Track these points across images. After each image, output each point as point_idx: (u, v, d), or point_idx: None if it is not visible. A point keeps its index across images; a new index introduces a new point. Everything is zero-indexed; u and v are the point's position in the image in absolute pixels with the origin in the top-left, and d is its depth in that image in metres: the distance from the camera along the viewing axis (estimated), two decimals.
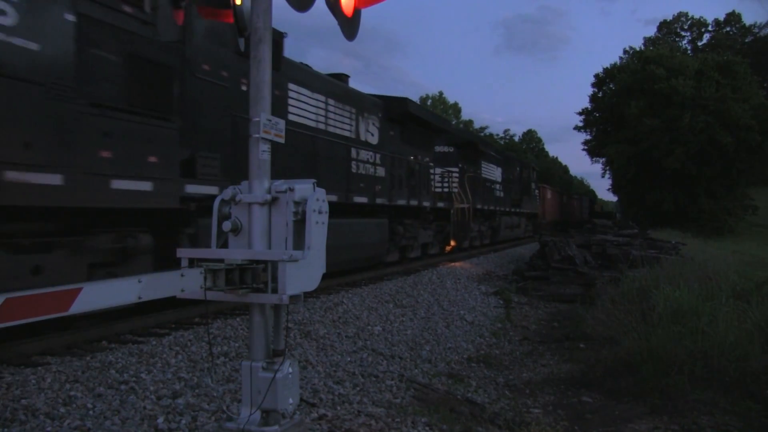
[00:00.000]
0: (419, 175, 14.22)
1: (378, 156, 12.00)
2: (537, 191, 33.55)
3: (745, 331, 5.95)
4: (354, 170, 10.83)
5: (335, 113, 10.50)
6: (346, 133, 10.86)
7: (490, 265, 16.73)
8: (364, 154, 11.36)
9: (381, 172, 12.06)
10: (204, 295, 2.51)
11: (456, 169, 17.98)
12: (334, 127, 10.44)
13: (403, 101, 13.31)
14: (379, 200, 11.70)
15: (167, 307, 7.23)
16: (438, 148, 17.21)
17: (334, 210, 8.26)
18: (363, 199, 10.93)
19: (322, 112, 10.15)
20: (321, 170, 9.50)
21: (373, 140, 11.97)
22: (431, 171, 15.65)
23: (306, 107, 9.53)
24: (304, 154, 9.23)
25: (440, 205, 15.64)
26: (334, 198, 9.38)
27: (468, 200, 17.75)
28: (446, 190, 16.91)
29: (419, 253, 15.01)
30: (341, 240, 9.19)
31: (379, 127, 12.34)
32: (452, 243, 17.18)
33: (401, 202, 12.96)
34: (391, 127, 13.00)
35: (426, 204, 14.34)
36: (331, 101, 10.41)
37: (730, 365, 5.47)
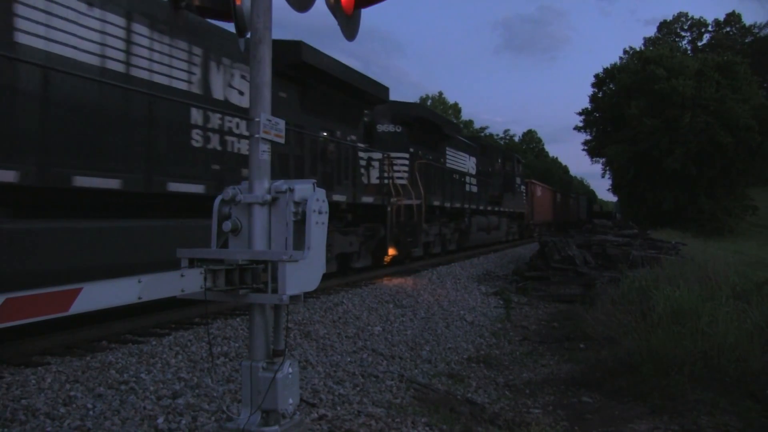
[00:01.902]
0: (336, 158, 10.53)
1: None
2: (524, 187, 29.11)
3: (745, 332, 5.94)
4: (196, 142, 7.09)
5: (151, 49, 6.60)
6: (180, 84, 7.02)
7: (490, 265, 16.73)
8: (218, 120, 7.47)
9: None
10: (204, 295, 2.52)
11: (404, 155, 13.89)
12: (150, 70, 6.57)
13: (296, 45, 8.95)
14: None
15: (167, 307, 7.23)
16: (380, 127, 13.76)
17: (127, 204, 6.51)
18: (195, 188, 6.99)
19: (119, 44, 6.21)
20: (103, 136, 5.99)
21: (241, 100, 8.04)
22: (363, 155, 11.95)
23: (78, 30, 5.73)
24: (68, 108, 5.67)
25: (366, 200, 11.53)
26: (115, 183, 6.00)
27: (419, 194, 13.72)
28: (388, 181, 12.86)
29: (335, 267, 10.62)
30: (112, 256, 5.85)
31: None
32: (390, 252, 13.12)
33: None
34: (282, 86, 8.96)
35: (339, 198, 10.31)
36: (139, 28, 6.44)
37: (730, 365, 5.47)
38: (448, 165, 17.40)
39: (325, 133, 10.25)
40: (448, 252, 18.11)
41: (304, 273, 2.63)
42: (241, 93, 8.07)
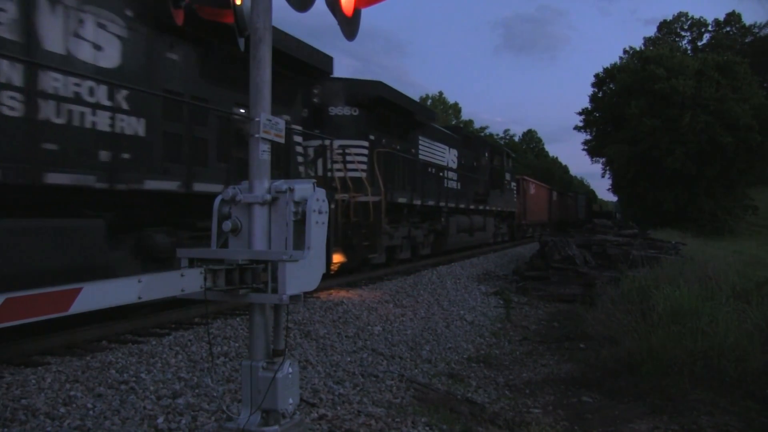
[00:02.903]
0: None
1: (119, 93, 6.15)
2: (514, 184, 26.91)
3: (745, 332, 5.95)
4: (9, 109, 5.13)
5: None
6: None
7: (490, 265, 16.73)
8: (56, 83, 5.50)
9: (123, 123, 6.22)
10: (204, 295, 2.52)
11: (361, 143, 11.72)
12: None
13: None
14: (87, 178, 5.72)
15: (167, 307, 7.23)
16: (333, 110, 11.87)
17: None
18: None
19: None
20: None
21: (104, 60, 6.10)
22: (301, 141, 9.77)
23: None
24: None
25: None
26: None
27: (379, 190, 11.71)
28: (331, 173, 10.60)
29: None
30: None
31: (125, 36, 6.34)
32: (336, 259, 10.70)
33: (187, 186, 6.84)
34: (171, 46, 6.99)
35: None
36: None
37: (730, 365, 5.47)
38: (421, 157, 15.15)
39: (243, 111, 7.90)
40: (421, 257, 15.69)
41: (303, 273, 2.63)
42: (98, 47, 5.99)
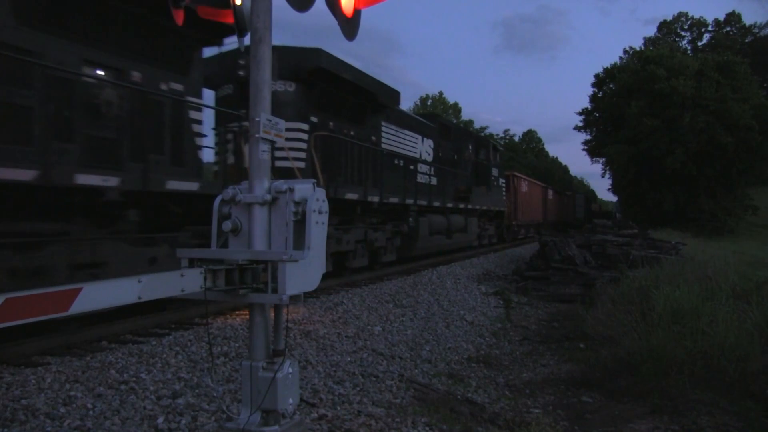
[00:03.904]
0: (129, 116, 6.73)
1: None
2: (503, 181, 24.57)
3: (745, 332, 5.94)
4: None
5: None
6: None
7: (490, 265, 16.73)
8: None
9: None
10: (204, 295, 2.52)
11: (296, 126, 9.69)
12: None
13: None
14: None
15: (167, 307, 7.23)
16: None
17: None
18: None
19: None
20: None
21: None
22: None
23: None
24: None
25: (170, 186, 6.84)
26: None
27: (318, 182, 9.24)
28: (283, 164, 8.87)
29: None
30: None
31: None
32: None
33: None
34: None
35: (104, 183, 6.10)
36: None
37: (730, 365, 5.47)
38: (384, 146, 13.01)
39: (101, 72, 6.45)
40: (384, 265, 13.25)
41: (303, 273, 2.63)
42: None
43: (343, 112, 11.20)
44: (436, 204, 15.82)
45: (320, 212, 2.72)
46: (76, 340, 5.91)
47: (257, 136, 2.71)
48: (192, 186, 7.15)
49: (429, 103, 64.14)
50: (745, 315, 6.44)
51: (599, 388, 5.75)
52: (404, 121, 14.67)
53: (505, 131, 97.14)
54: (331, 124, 10.60)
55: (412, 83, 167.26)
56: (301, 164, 9.64)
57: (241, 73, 9.53)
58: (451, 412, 4.83)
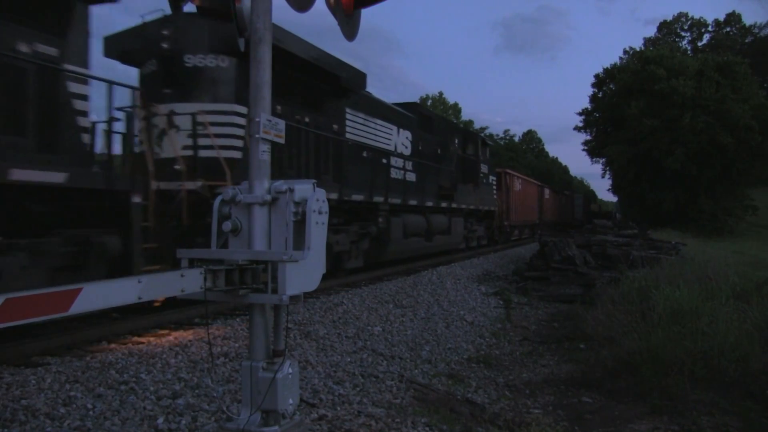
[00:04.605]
0: None
1: None
2: (494, 178, 22.91)
3: (745, 332, 5.95)
4: None
5: None
6: None
7: (490, 266, 16.73)
8: None
9: None
10: (204, 295, 2.52)
11: (226, 108, 8.31)
12: None
13: None
14: None
15: (168, 307, 7.23)
16: (191, 59, 8.20)
17: None
18: None
19: None
20: None
21: None
22: (77, 91, 6.21)
23: None
24: None
25: (17, 176, 5.12)
26: None
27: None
28: (209, 152, 7.95)
29: None
30: None
31: None
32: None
33: None
34: None
35: None
36: None
37: (730, 365, 5.47)
38: (349, 136, 11.44)
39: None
40: (350, 272, 11.55)
41: (303, 273, 2.63)
42: None
43: (294, 94, 9.47)
44: (413, 203, 14.13)
45: (320, 212, 2.72)
46: (76, 340, 5.91)
47: (257, 136, 2.71)
48: (54, 177, 5.44)
49: (429, 104, 64.14)
50: (745, 315, 6.44)
51: (599, 388, 5.75)
52: (375, 108, 12.86)
53: (505, 131, 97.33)
54: (278, 108, 8.75)
55: (412, 83, 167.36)
56: (236, 154, 8.09)
57: (164, 45, 8.19)
58: (451, 412, 4.83)
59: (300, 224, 2.69)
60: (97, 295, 2.10)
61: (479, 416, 4.81)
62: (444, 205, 16.37)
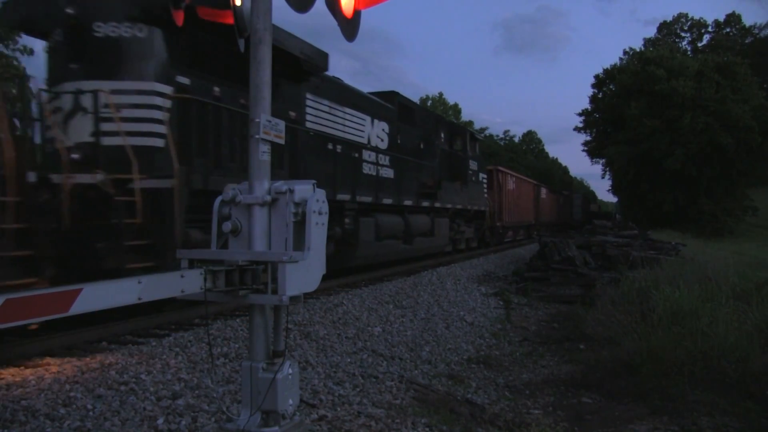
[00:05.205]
0: None
1: None
2: (484, 176, 21.38)
3: (745, 332, 5.95)
4: None
5: None
6: None
7: (490, 266, 16.73)
8: None
9: None
10: (204, 296, 2.52)
11: (153, 86, 7.00)
12: None
13: None
14: None
15: (167, 308, 7.23)
16: (102, 28, 6.94)
17: None
18: None
19: None
20: None
21: None
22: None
23: None
24: None
25: None
26: None
27: (170, 169, 6.67)
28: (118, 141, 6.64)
29: None
30: None
31: None
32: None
33: None
34: None
35: None
36: None
37: (730, 366, 5.48)
38: (310, 125, 10.14)
39: None
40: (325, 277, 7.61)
41: (303, 274, 2.63)
42: None
43: (239, 75, 7.20)
44: (388, 201, 12.59)
45: (320, 213, 2.72)
46: (76, 340, 5.91)
47: (257, 137, 2.71)
48: None
49: (429, 104, 64.14)
50: (744, 316, 6.44)
51: (599, 389, 5.75)
52: (344, 96, 11.37)
53: (505, 132, 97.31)
54: (216, 89, 7.56)
55: (412, 84, 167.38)
56: (155, 142, 6.79)
57: (69, 11, 6.83)
58: (451, 412, 4.83)
59: (300, 225, 2.69)
60: (97, 296, 2.10)
61: (479, 417, 4.81)
62: (426, 204, 14.93)
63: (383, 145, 13.01)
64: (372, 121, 12.46)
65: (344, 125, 11.27)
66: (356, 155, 11.53)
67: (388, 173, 13.03)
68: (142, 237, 6.52)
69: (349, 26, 3.21)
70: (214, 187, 7.01)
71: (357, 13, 3.24)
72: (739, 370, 5.43)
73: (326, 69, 10.39)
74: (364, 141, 12.09)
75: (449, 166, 17.27)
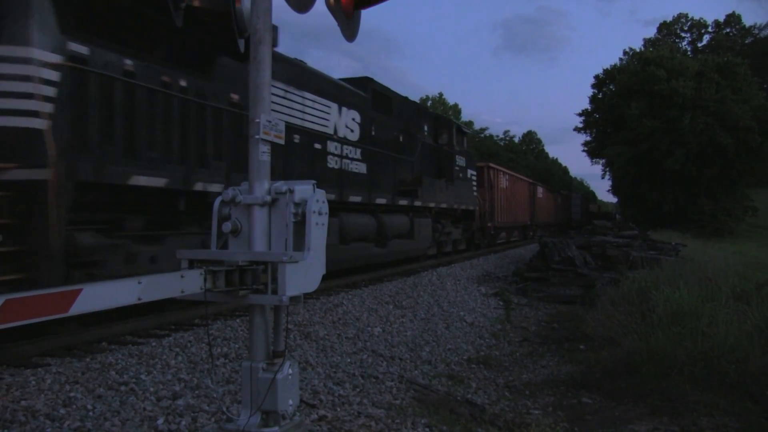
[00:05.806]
0: None
1: None
2: (473, 173, 19.71)
3: (745, 333, 5.95)
4: None
5: None
6: None
7: (490, 267, 16.74)
8: None
9: None
10: (204, 296, 2.52)
11: (29, 52, 5.24)
12: None
13: None
14: None
15: (167, 308, 7.23)
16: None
17: None
18: None
19: None
20: None
21: None
22: None
23: None
24: None
25: None
26: None
27: (49, 158, 5.22)
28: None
29: None
30: None
31: None
32: None
33: None
34: None
35: None
36: None
37: (730, 366, 5.47)
38: (277, 113, 8.33)
39: None
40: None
41: (303, 274, 2.63)
42: None
43: (160, 46, 6.61)
44: (356, 199, 11.23)
45: (320, 213, 2.73)
46: (76, 341, 5.90)
47: (257, 137, 2.71)
48: None
49: (429, 104, 64.14)
50: (744, 316, 6.44)
51: (599, 389, 5.74)
52: (304, 79, 9.91)
53: (505, 132, 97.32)
54: (128, 63, 6.17)
55: (412, 84, 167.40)
56: (34, 123, 5.30)
57: None
58: (451, 413, 4.83)
59: (300, 225, 2.69)
60: (97, 296, 2.10)
61: (479, 417, 4.81)
62: (404, 203, 13.41)
63: (353, 137, 11.50)
64: (340, 109, 10.98)
65: (303, 112, 9.79)
66: (318, 146, 10.18)
67: (359, 168, 11.61)
68: (13, 242, 5.18)
69: (349, 26, 3.21)
70: (114, 179, 5.97)
71: (357, 14, 3.24)
72: (739, 370, 5.43)
73: (276, 45, 8.19)
74: (329, 131, 10.62)
75: (433, 162, 15.87)
